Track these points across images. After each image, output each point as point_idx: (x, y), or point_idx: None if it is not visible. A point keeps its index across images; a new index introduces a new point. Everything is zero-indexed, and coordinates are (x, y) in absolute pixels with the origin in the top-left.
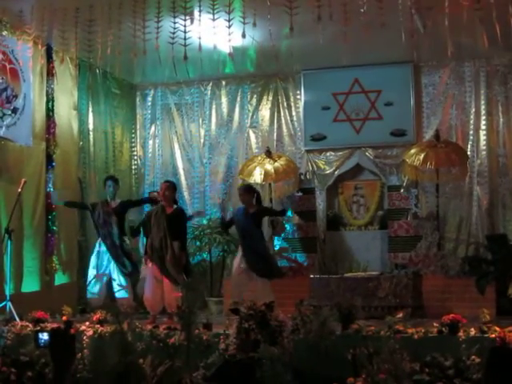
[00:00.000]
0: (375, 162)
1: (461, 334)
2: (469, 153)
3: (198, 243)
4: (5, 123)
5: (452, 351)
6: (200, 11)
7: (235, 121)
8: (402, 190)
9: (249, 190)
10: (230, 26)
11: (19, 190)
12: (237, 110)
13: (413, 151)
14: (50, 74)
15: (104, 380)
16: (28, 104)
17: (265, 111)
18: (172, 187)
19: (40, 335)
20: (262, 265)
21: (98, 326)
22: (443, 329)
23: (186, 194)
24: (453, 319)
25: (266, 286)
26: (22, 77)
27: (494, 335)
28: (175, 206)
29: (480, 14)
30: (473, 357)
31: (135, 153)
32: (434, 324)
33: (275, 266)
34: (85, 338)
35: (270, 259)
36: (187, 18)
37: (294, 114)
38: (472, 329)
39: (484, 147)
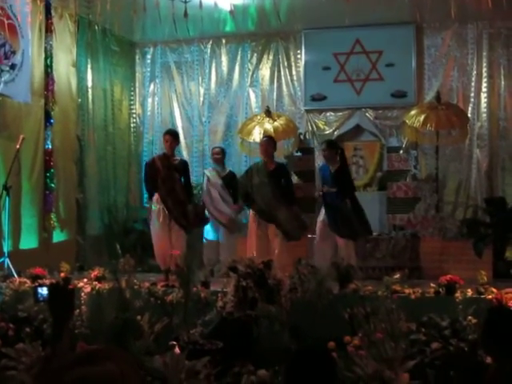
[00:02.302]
0: (375, 123)
1: (458, 294)
2: (469, 115)
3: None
4: (3, 79)
5: (449, 312)
6: None
7: (235, 80)
8: (401, 152)
9: (333, 146)
10: None
11: (17, 146)
12: (237, 68)
13: (413, 113)
14: (49, 30)
15: (102, 336)
16: (26, 60)
17: (265, 70)
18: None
19: (39, 290)
20: (345, 226)
21: (96, 283)
22: (440, 289)
23: (184, 153)
24: (450, 280)
25: (349, 247)
26: (21, 33)
27: (490, 296)
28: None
29: None
30: (469, 317)
31: (134, 111)
32: (431, 285)
33: (361, 227)
34: (83, 294)
35: (355, 219)
36: None
37: (294, 73)
38: (469, 290)
39: (485, 110)
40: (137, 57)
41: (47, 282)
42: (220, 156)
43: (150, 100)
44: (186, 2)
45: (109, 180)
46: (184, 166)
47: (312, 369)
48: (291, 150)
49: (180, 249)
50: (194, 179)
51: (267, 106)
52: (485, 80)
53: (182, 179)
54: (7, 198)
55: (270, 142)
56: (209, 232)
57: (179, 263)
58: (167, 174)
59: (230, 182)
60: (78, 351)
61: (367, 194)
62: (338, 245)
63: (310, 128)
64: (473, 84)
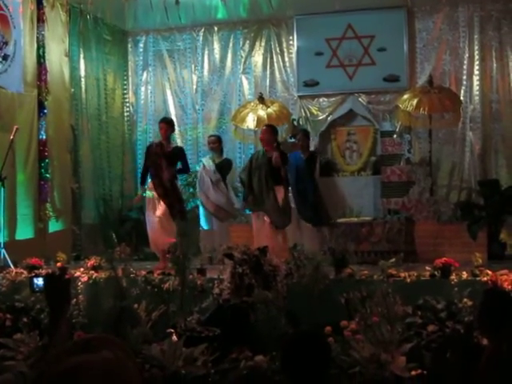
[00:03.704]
0: (368, 108)
1: (453, 277)
2: (462, 98)
3: (191, 189)
4: None
5: (444, 294)
6: None
7: (228, 67)
8: (394, 136)
9: (309, 136)
10: None
11: (11, 137)
12: (229, 55)
13: (406, 97)
14: (41, 20)
15: (99, 325)
16: (19, 51)
17: (257, 57)
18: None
19: (35, 280)
20: (312, 212)
21: (93, 272)
22: (436, 272)
23: (178, 140)
24: (445, 263)
25: (313, 233)
26: (12, 23)
27: (485, 278)
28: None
29: None
30: (465, 300)
31: (127, 100)
32: (427, 268)
33: (324, 215)
34: (79, 284)
35: (319, 207)
36: None
37: (286, 59)
38: (464, 272)
39: (477, 93)
40: (129, 45)
41: (43, 272)
42: (216, 144)
43: (143, 88)
44: None
45: (103, 169)
46: (178, 152)
47: (306, 352)
48: (285, 135)
49: (170, 235)
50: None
51: (260, 93)
52: (477, 63)
53: (179, 165)
54: (2, 189)
55: (267, 130)
56: (203, 221)
57: (172, 250)
58: (157, 162)
59: (223, 167)
60: (75, 340)
61: (361, 178)
62: (303, 230)
63: (304, 114)
64: (465, 67)
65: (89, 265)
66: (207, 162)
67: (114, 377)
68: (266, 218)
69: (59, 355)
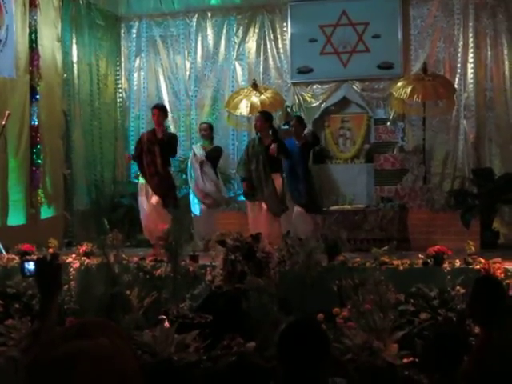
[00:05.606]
0: (362, 95)
1: (446, 265)
2: (456, 86)
3: (184, 176)
4: None
5: (437, 282)
6: None
7: (221, 53)
8: (388, 124)
9: (301, 121)
10: None
11: (3, 122)
12: (223, 42)
13: (400, 84)
14: (33, 4)
15: (91, 311)
16: (11, 36)
17: (251, 43)
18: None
19: (26, 265)
20: (305, 198)
21: (85, 258)
22: (428, 260)
23: (172, 127)
24: (438, 251)
25: (306, 219)
26: (4, 8)
27: (478, 267)
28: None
29: None
30: (457, 288)
31: (120, 85)
32: (420, 256)
33: (318, 201)
34: (71, 270)
35: (313, 194)
36: None
37: (280, 46)
38: (457, 260)
39: (471, 81)
40: (122, 31)
41: (35, 257)
42: (207, 132)
43: (135, 74)
44: None
45: (95, 155)
46: (168, 139)
47: (304, 339)
48: (278, 122)
49: (164, 222)
50: (181, 153)
51: (254, 79)
52: (471, 51)
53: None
54: None
55: (260, 117)
56: (194, 208)
57: (165, 236)
58: (148, 148)
59: (212, 155)
60: (69, 325)
61: (354, 166)
62: (295, 214)
63: (297, 101)
64: (459, 55)
65: (81, 251)
66: (197, 149)
67: (111, 363)
68: (263, 206)
69: (54, 340)
